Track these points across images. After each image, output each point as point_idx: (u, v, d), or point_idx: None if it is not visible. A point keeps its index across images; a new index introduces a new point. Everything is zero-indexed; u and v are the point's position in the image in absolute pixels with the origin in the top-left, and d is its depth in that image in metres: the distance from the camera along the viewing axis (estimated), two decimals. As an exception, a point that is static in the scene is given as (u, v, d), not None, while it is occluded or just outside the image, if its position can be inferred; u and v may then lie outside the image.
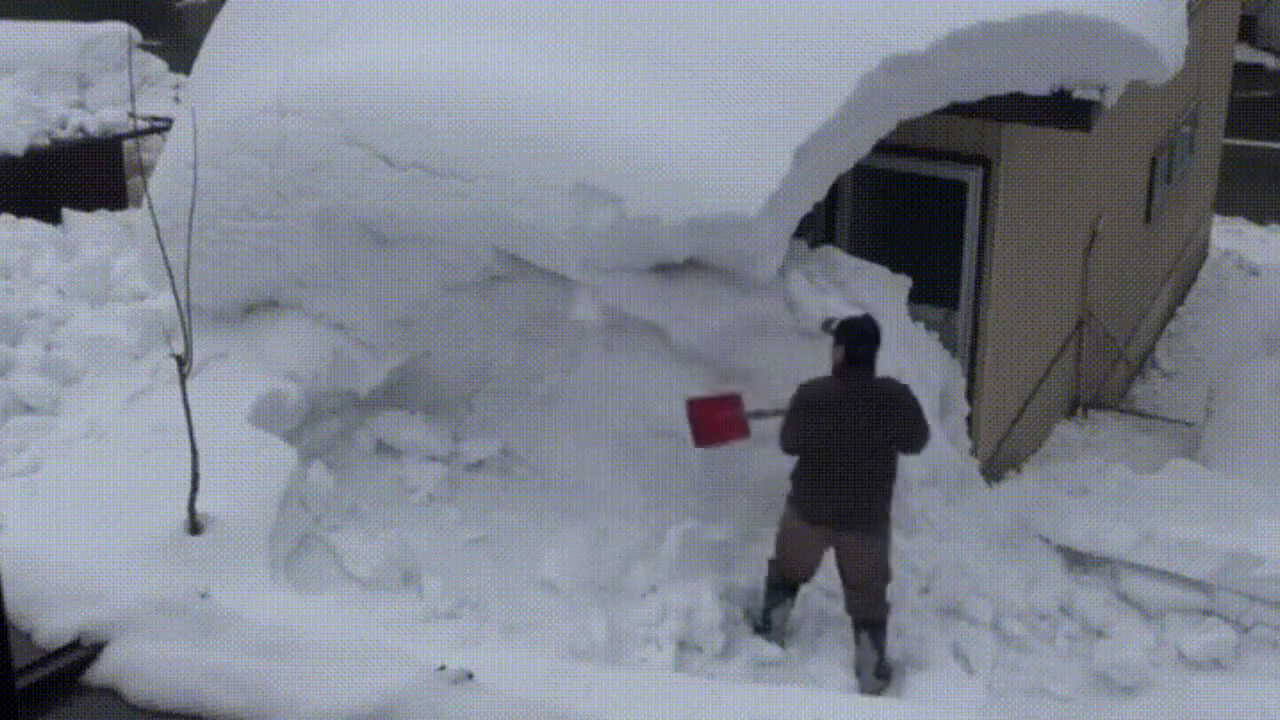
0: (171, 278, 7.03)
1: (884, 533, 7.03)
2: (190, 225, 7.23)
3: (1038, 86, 7.67)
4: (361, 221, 7.93)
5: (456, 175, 7.64)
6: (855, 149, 7.66)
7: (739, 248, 7.24)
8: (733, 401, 7.41)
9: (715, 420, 7.40)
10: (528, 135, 7.54)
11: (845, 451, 6.83)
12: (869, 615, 7.04)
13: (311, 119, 7.99)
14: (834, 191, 8.24)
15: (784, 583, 7.21)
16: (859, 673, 7.00)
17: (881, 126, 7.68)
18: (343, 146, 7.88)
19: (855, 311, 7.36)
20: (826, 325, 7.11)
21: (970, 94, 7.69)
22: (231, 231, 8.11)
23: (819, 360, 7.04)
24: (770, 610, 7.22)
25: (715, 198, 7.14)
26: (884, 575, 7.04)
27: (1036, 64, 7.61)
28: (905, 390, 6.97)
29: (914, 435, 7.00)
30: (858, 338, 6.89)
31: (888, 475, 6.97)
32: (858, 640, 7.05)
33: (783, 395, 7.11)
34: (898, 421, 6.93)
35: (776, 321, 7.53)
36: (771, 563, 7.20)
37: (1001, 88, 7.66)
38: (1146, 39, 7.75)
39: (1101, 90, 7.70)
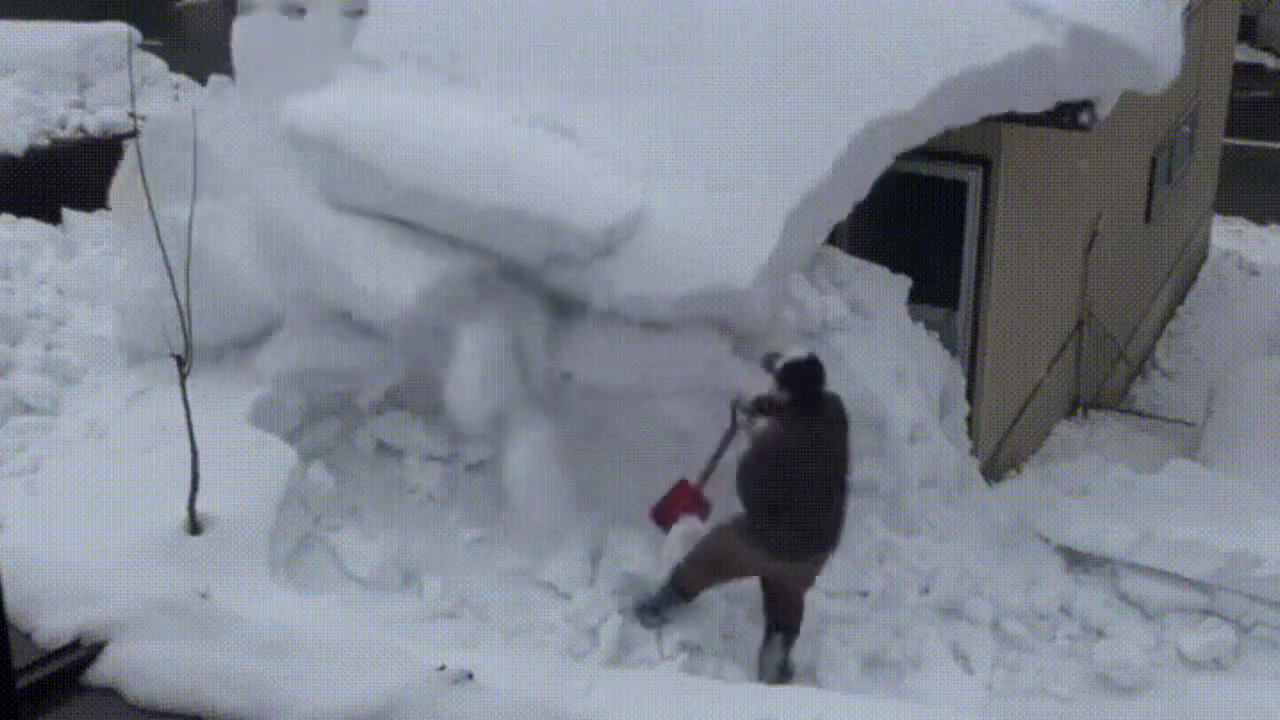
0: (171, 278, 7.03)
1: None
2: (190, 225, 7.24)
3: (1032, 106, 7.68)
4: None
5: (446, 239, 7.68)
6: (850, 198, 7.64)
7: (733, 316, 7.22)
8: (683, 489, 7.24)
9: (674, 508, 7.25)
10: (506, 205, 7.49)
11: (825, 487, 6.74)
12: (793, 623, 7.01)
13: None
14: (834, 192, 8.24)
15: (689, 596, 7.08)
16: (762, 670, 6.96)
17: (876, 168, 7.65)
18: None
19: (854, 316, 7.36)
20: (767, 362, 6.84)
21: (965, 119, 7.70)
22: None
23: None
24: (667, 609, 7.10)
25: (706, 270, 7.08)
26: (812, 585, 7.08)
27: (1029, 91, 7.62)
28: (840, 399, 6.87)
29: None
30: (805, 382, 6.65)
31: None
32: (769, 640, 6.99)
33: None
34: (850, 433, 6.88)
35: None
36: (682, 574, 7.02)
37: (996, 109, 7.68)
38: (1141, 49, 7.75)
39: (1096, 100, 7.70)
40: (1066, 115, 7.76)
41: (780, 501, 6.68)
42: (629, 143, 7.63)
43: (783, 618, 7.00)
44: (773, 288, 7.20)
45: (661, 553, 7.31)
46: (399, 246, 7.64)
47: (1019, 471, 9.37)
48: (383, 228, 7.74)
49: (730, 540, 6.85)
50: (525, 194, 7.37)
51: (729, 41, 7.89)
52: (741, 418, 6.95)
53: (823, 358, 7.27)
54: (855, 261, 8.12)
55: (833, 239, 8.74)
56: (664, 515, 7.25)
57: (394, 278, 7.47)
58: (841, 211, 7.67)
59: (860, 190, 7.60)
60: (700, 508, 7.19)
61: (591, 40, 8.18)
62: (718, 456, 7.05)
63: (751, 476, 6.70)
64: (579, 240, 7.26)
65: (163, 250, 7.18)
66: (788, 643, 6.98)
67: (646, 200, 7.33)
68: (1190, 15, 9.06)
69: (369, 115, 8.05)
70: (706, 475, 7.13)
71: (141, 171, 7.21)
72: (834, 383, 7.49)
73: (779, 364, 6.71)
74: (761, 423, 6.76)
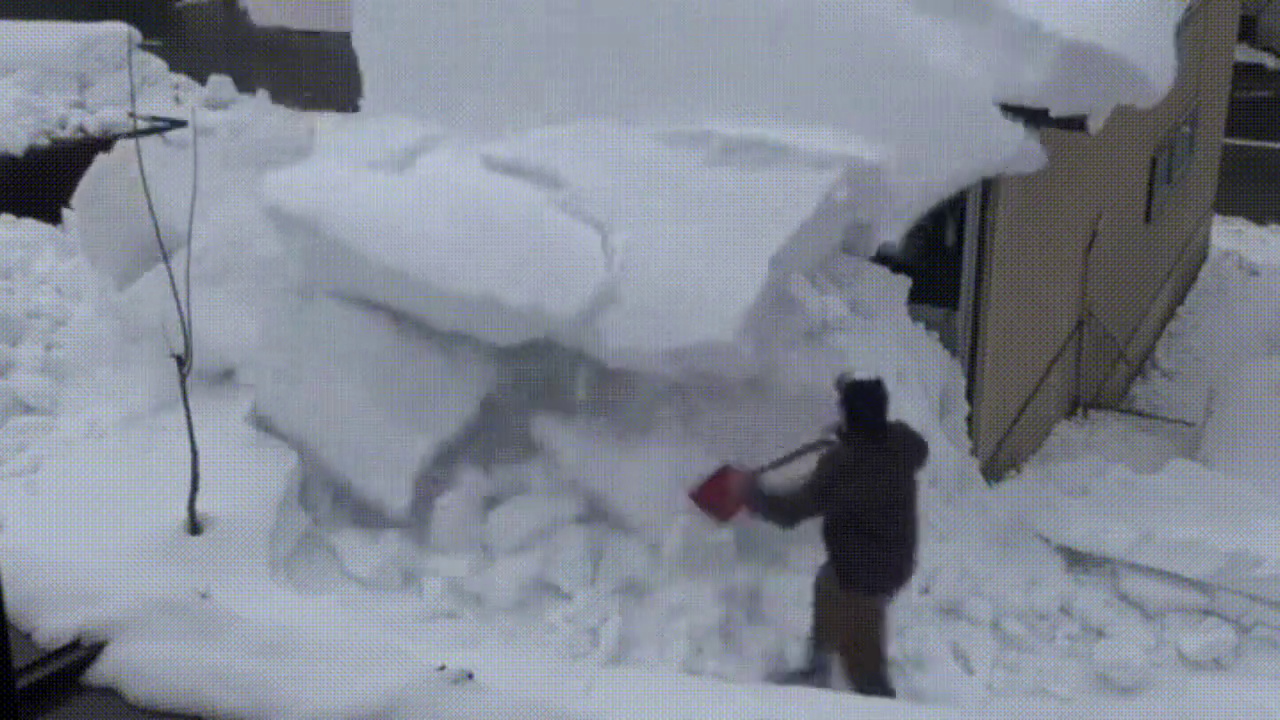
0: (172, 280, 7.04)
1: None
2: (190, 229, 7.25)
3: (1026, 169, 7.81)
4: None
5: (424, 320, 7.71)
6: (833, 240, 7.67)
7: (720, 368, 7.24)
8: (725, 475, 7.12)
9: (720, 495, 7.14)
10: (481, 293, 7.48)
11: (901, 509, 6.61)
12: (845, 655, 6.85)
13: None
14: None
15: (879, 675, 6.81)
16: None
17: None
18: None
19: (856, 321, 7.33)
20: (839, 384, 6.68)
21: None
22: None
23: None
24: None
25: (692, 323, 7.11)
26: None
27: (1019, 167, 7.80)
28: (910, 427, 6.82)
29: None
30: (865, 404, 6.50)
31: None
32: (821, 674, 6.87)
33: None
34: (923, 459, 6.81)
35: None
36: (857, 664, 6.72)
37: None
38: (1135, 64, 7.75)
39: (1089, 115, 7.73)
40: (1061, 124, 7.81)
41: (860, 529, 6.50)
42: (614, 187, 7.65)
43: (831, 648, 6.85)
44: (758, 336, 7.21)
45: (662, 554, 7.31)
46: (389, 427, 7.62)
47: (1019, 471, 9.36)
48: (376, 389, 7.70)
49: (856, 607, 6.65)
50: (501, 277, 7.37)
51: (718, 85, 7.96)
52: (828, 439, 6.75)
53: (826, 359, 7.30)
54: (855, 261, 8.12)
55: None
56: (715, 499, 7.08)
57: (385, 477, 7.52)
58: (823, 251, 7.71)
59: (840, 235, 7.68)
60: (738, 497, 6.97)
61: (575, 83, 8.29)
62: (783, 462, 6.92)
63: (810, 493, 6.53)
64: (552, 325, 7.34)
65: (163, 252, 7.19)
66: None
67: (630, 251, 7.35)
68: (1189, 17, 9.05)
69: (350, 193, 8.01)
70: (760, 471, 6.97)
71: (142, 173, 7.21)
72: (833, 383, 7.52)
73: (842, 385, 6.60)
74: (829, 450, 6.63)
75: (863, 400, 6.52)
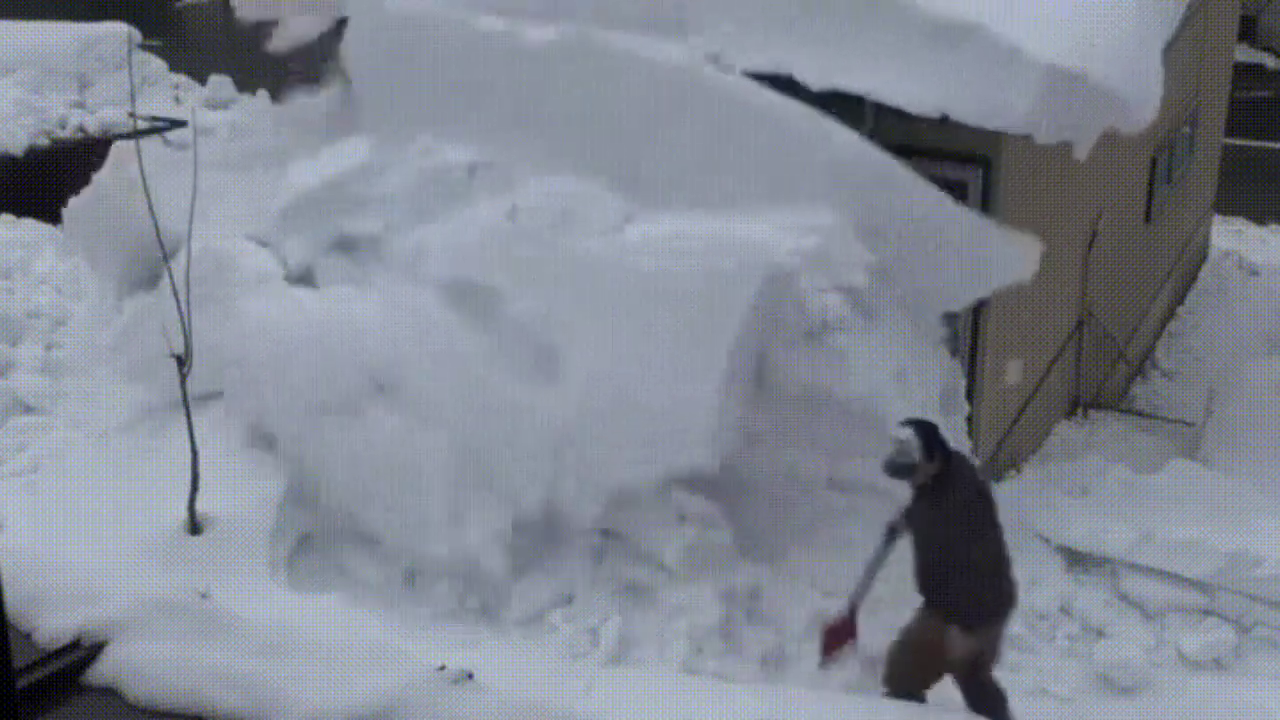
0: (171, 277, 7.04)
1: None
2: (190, 225, 7.25)
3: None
4: None
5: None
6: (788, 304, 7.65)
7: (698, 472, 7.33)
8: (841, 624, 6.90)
9: (837, 639, 6.92)
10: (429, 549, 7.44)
11: (999, 535, 6.49)
12: (1000, 710, 6.62)
13: None
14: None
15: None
16: None
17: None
18: None
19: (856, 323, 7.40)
20: (893, 467, 6.43)
21: None
22: None
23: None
24: None
25: (662, 448, 7.16)
26: None
27: None
28: (961, 454, 6.77)
29: None
30: (935, 432, 6.42)
31: None
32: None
33: None
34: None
35: None
36: (893, 678, 6.58)
37: None
38: (1119, 90, 7.76)
39: (1073, 142, 7.74)
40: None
41: (980, 560, 6.32)
42: (556, 296, 7.58)
43: (985, 706, 6.63)
44: (729, 429, 7.25)
45: (663, 556, 7.33)
46: None
47: (1019, 471, 9.36)
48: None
49: (944, 635, 6.39)
50: (464, 481, 7.39)
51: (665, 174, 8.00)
52: (899, 520, 6.62)
53: (826, 359, 7.30)
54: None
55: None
56: (836, 643, 6.90)
57: None
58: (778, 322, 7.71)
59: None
60: (848, 637, 6.82)
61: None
62: (866, 580, 6.75)
63: (978, 535, 6.38)
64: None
65: (163, 249, 7.19)
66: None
67: (584, 375, 7.33)
68: (1189, 17, 9.05)
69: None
70: (858, 600, 6.76)
71: (142, 174, 7.22)
72: (834, 383, 7.52)
73: (915, 438, 6.37)
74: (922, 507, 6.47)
75: (929, 430, 6.42)
